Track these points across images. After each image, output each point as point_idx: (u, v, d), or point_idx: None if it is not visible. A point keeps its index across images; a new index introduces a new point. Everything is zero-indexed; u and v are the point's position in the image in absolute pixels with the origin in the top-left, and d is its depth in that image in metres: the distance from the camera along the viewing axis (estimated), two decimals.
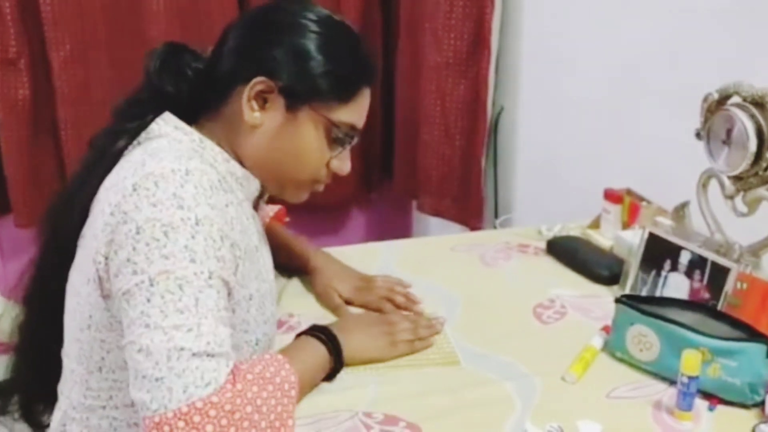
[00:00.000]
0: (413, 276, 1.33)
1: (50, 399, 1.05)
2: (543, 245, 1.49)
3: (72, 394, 0.99)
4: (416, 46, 2.10)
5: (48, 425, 1.05)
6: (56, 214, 1.01)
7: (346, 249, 1.44)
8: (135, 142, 0.97)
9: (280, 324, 1.19)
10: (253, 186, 1.03)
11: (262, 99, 0.98)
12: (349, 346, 1.04)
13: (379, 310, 1.22)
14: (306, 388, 0.97)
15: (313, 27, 0.99)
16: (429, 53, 2.04)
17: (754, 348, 0.98)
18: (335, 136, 1.01)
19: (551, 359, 1.09)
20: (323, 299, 1.26)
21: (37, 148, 2.01)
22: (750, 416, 0.98)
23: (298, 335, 1.05)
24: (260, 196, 1.09)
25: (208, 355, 0.80)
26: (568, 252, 1.44)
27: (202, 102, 1.01)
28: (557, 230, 1.54)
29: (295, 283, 1.33)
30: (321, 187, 1.07)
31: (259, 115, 0.98)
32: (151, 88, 1.00)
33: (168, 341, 0.80)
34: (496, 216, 2.11)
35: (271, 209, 1.39)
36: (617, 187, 1.53)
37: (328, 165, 1.03)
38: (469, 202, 2.11)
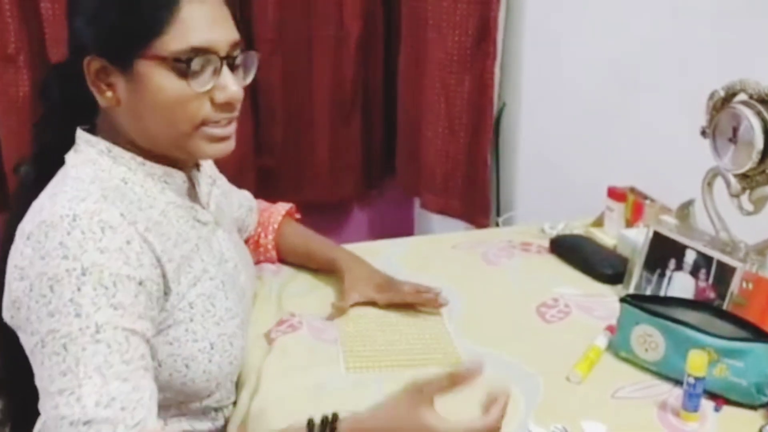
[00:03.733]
0: (415, 274, 1.32)
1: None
2: (546, 243, 1.48)
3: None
4: (419, 42, 2.09)
5: None
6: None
7: (348, 247, 1.43)
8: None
9: (280, 322, 1.18)
10: (179, 179, 0.97)
11: (105, 76, 0.90)
12: None
13: (404, 306, 1.20)
14: None
15: None
16: (433, 49, 2.04)
17: (761, 348, 0.97)
18: (181, 69, 0.88)
19: (555, 359, 1.08)
20: (342, 298, 1.23)
21: None
22: (756, 417, 0.97)
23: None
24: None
25: (84, 423, 0.76)
26: (572, 250, 1.43)
27: (87, 107, 0.95)
28: (560, 228, 1.53)
29: (297, 282, 1.32)
30: (227, 129, 0.94)
31: (111, 94, 0.91)
32: (47, 112, 0.97)
33: (54, 409, 0.77)
34: (498, 214, 2.10)
35: (282, 207, 1.38)
36: (621, 184, 1.52)
37: (212, 102, 0.91)
38: (474, 200, 2.11)
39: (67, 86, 0.94)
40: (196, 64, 0.88)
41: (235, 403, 1.04)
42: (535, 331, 1.18)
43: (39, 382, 0.80)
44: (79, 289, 0.80)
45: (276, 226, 1.34)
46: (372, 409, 0.83)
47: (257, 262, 1.33)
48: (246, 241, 1.31)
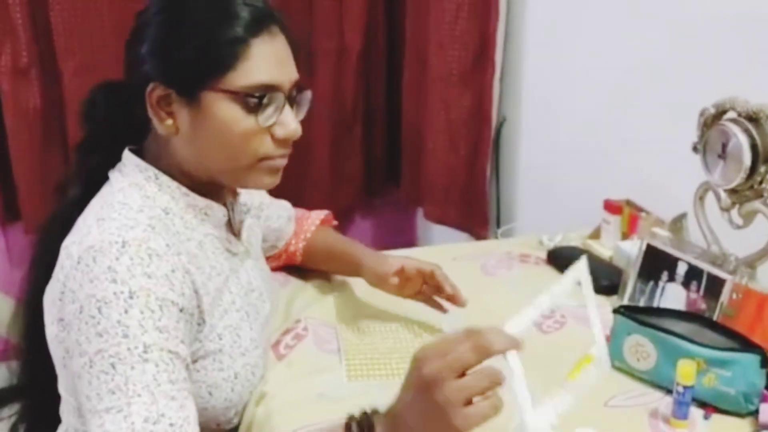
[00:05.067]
0: None
1: (55, 418, 1.04)
2: (544, 255, 1.51)
3: (70, 418, 0.99)
4: (422, 55, 2.12)
5: None
6: (35, 258, 1.01)
7: None
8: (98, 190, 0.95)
9: (286, 331, 1.21)
10: (219, 213, 0.99)
11: (167, 105, 0.91)
12: None
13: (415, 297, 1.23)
14: None
15: (166, 10, 0.92)
16: (435, 63, 2.07)
17: (749, 358, 1.00)
18: (251, 104, 0.90)
19: (551, 368, 1.11)
20: (382, 287, 1.26)
21: (47, 156, 2.04)
22: (744, 425, 1.00)
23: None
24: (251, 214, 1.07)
25: None
26: (569, 262, 1.42)
27: (140, 129, 0.97)
28: (558, 240, 1.56)
29: (305, 291, 1.35)
30: (282, 162, 0.96)
31: (171, 122, 0.91)
32: (93, 133, 0.99)
33: (100, 427, 0.78)
34: (498, 225, 2.13)
35: (317, 215, 1.40)
36: (617, 197, 1.55)
37: (273, 137, 0.93)
38: (474, 211, 2.14)
39: (119, 108, 0.96)
40: (259, 99, 0.90)
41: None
42: (532, 341, 1.20)
43: (86, 402, 0.81)
44: (126, 312, 0.81)
45: (309, 235, 1.36)
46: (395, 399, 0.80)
47: (278, 267, 1.37)
48: (281, 250, 1.35)
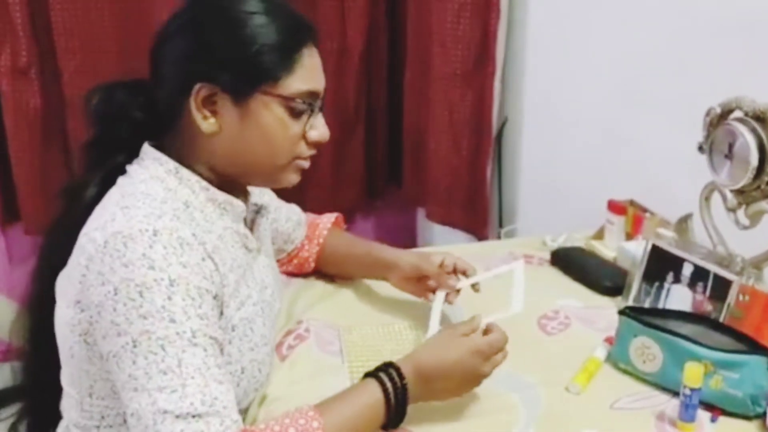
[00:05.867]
0: None
1: (55, 415, 1.05)
2: (547, 256, 1.50)
3: (71, 413, 1.00)
4: (425, 55, 2.12)
5: None
6: (43, 253, 1.02)
7: None
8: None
9: (288, 333, 1.20)
10: (238, 208, 1.00)
11: (210, 104, 0.94)
12: (425, 395, 0.98)
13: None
14: None
15: (221, 12, 0.94)
16: (437, 63, 2.06)
17: (756, 360, 0.99)
18: (296, 109, 0.96)
19: (555, 370, 1.11)
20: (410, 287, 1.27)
21: (47, 156, 2.02)
22: (752, 428, 0.99)
23: (367, 375, 0.97)
24: (258, 210, 1.09)
25: (193, 416, 0.80)
26: (572, 263, 1.45)
27: (159, 125, 0.99)
28: (561, 241, 1.55)
29: (307, 292, 1.34)
30: (307, 163, 1.01)
31: (214, 120, 0.94)
32: (105, 130, 0.99)
33: (152, 404, 0.80)
34: (500, 226, 2.13)
35: (328, 218, 1.40)
36: (621, 198, 1.54)
37: (305, 138, 0.99)
38: (475, 212, 2.13)
39: (138, 105, 0.98)
40: (309, 108, 0.97)
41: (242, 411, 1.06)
42: (536, 342, 1.20)
43: (129, 380, 0.82)
44: (170, 298, 0.83)
45: (321, 240, 1.37)
46: (420, 346, 1.02)
47: (291, 273, 1.37)
48: (291, 254, 1.35)
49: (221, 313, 0.93)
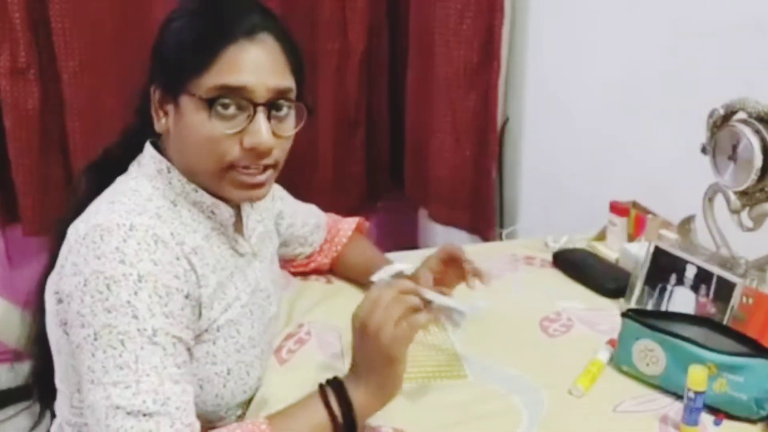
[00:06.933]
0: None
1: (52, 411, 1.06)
2: (549, 257, 1.50)
3: (63, 410, 1.01)
4: (427, 56, 2.11)
5: None
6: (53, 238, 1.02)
7: None
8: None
9: (288, 336, 1.19)
10: (226, 213, 0.99)
11: (162, 104, 0.95)
12: (362, 397, 0.90)
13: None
14: None
15: (167, 16, 0.96)
16: (440, 63, 2.06)
17: (760, 363, 0.98)
18: (216, 110, 0.89)
19: (558, 372, 1.10)
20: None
21: (46, 157, 2.03)
22: (756, 431, 0.98)
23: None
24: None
25: (144, 415, 0.79)
26: (575, 264, 1.45)
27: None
28: (563, 242, 1.55)
29: (307, 294, 1.34)
30: (250, 178, 0.93)
31: (164, 121, 0.95)
32: (143, 123, 1.00)
33: (106, 398, 0.80)
34: (501, 226, 2.12)
35: (349, 225, 1.39)
36: (623, 199, 1.54)
37: (241, 145, 0.91)
38: (480, 212, 2.13)
39: (142, 109, 1.00)
40: (224, 105, 0.89)
41: (241, 416, 1.06)
42: (539, 344, 1.20)
43: (88, 373, 0.82)
44: (136, 294, 0.83)
45: (340, 248, 1.38)
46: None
47: (306, 272, 1.38)
48: (310, 257, 1.36)
49: (200, 314, 0.93)
